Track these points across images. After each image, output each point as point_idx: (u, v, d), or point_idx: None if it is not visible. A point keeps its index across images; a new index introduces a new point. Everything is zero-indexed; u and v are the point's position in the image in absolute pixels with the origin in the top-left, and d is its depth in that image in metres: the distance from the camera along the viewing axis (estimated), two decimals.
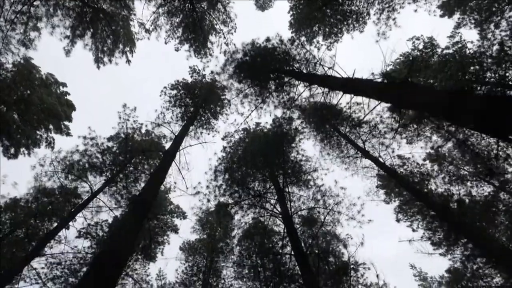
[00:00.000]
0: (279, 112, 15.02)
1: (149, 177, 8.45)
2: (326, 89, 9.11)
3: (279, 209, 11.69)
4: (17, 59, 15.89)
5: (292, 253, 10.28)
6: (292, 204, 11.77)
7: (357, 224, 11.66)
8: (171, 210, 19.57)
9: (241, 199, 12.37)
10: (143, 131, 15.00)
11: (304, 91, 9.78)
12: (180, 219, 19.99)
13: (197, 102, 13.80)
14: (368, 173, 15.24)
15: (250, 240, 18.09)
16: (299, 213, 11.58)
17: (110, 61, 13.76)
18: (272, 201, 12.82)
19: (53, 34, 12.41)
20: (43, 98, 15.03)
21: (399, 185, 15.80)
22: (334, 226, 10.54)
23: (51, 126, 16.20)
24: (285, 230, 10.55)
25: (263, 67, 10.57)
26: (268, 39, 10.18)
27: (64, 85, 16.71)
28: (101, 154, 12.55)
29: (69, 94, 17.43)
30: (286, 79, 10.38)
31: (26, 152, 15.10)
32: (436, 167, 19.34)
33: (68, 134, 16.57)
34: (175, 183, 15.94)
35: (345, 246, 9.73)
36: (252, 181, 13.26)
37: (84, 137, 12.79)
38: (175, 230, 19.47)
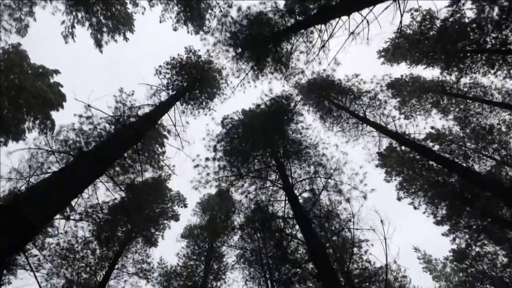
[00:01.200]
0: (276, 85, 14.50)
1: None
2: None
3: (281, 184, 11.26)
4: (8, 46, 15.60)
5: (295, 222, 9.83)
6: (293, 176, 11.31)
7: (360, 194, 11.21)
8: (171, 197, 19.07)
9: (242, 173, 11.93)
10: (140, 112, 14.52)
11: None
12: (181, 207, 19.49)
13: (192, 79, 13.35)
14: (369, 143, 14.65)
15: (251, 221, 17.63)
16: (301, 183, 11.10)
17: (110, 39, 13.62)
18: (273, 177, 12.40)
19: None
20: (35, 85, 14.67)
21: (401, 151, 15.36)
22: (335, 190, 10.05)
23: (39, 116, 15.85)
24: (286, 198, 10.09)
25: (259, 35, 10.17)
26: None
27: (57, 72, 16.32)
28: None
29: (61, 86, 17.07)
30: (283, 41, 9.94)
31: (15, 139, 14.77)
32: (437, 146, 18.95)
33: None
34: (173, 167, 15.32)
35: (348, 200, 9.24)
36: (252, 158, 12.82)
37: (80, 116, 12.23)
38: (176, 218, 18.97)
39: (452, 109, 16.40)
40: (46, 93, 15.75)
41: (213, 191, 12.01)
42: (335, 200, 10.54)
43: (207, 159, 11.65)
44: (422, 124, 26.05)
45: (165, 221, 18.30)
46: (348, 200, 9.18)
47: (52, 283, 12.57)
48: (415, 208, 19.04)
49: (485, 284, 17.12)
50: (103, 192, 14.95)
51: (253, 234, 18.67)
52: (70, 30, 13.61)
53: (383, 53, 19.09)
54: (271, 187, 11.45)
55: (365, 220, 11.11)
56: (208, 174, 11.61)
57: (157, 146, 15.75)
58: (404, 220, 24.52)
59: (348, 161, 10.41)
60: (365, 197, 10.04)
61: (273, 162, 12.29)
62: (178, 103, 12.32)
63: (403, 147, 17.81)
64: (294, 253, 11.02)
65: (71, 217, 14.58)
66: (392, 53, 18.34)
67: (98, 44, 14.19)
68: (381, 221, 5.70)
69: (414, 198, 18.43)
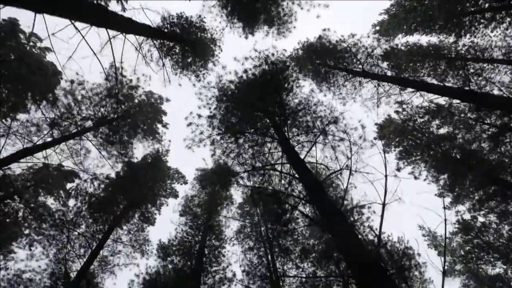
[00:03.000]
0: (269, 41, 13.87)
1: None
2: None
3: (277, 139, 10.62)
4: None
5: (292, 171, 9.17)
6: (289, 133, 10.66)
7: (359, 150, 10.52)
8: (170, 174, 18.47)
9: (237, 134, 11.30)
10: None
11: None
12: (181, 184, 18.87)
13: (184, 44, 12.76)
14: (367, 100, 13.82)
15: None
16: (298, 138, 10.44)
17: None
18: (269, 138, 11.76)
19: None
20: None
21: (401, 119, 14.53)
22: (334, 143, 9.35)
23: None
24: (283, 150, 9.47)
25: None
26: None
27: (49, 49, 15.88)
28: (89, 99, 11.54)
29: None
30: None
31: None
32: (437, 122, 18.24)
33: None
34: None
35: (346, 132, 8.55)
36: (247, 119, 12.18)
37: (72, 81, 11.77)
38: (175, 195, 18.36)
39: (450, 73, 15.67)
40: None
41: (207, 152, 11.34)
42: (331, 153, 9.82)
43: (199, 116, 11.01)
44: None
45: (163, 198, 17.70)
46: (345, 132, 8.52)
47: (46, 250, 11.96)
48: (415, 178, 18.22)
49: (491, 254, 16.23)
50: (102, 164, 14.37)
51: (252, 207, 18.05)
52: None
53: (377, 27, 18.47)
54: (268, 144, 10.78)
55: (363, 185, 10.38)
56: (201, 132, 10.99)
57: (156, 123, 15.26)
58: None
59: (346, 116, 9.70)
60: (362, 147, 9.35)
61: (269, 122, 11.68)
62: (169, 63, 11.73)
63: (401, 115, 17.15)
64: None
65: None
66: (388, 22, 17.75)
67: None
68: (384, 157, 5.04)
69: (415, 167, 17.66)
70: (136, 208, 14.90)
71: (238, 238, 16.97)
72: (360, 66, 11.95)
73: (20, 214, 14.46)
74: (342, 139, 8.92)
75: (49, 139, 10.48)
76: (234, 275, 13.28)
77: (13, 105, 14.73)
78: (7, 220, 13.72)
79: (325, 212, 6.31)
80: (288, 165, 10.57)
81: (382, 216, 4.93)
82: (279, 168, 10.45)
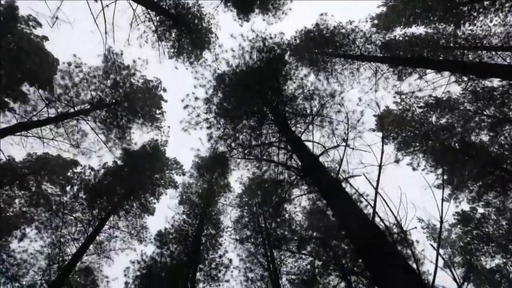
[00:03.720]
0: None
1: None
2: None
3: (274, 121, 10.44)
4: None
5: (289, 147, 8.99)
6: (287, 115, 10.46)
7: (357, 134, 10.34)
8: (169, 165, 18.27)
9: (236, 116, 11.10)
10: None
11: None
12: (179, 175, 18.67)
13: (181, 28, 12.59)
14: (366, 85, 13.57)
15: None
16: (295, 119, 10.25)
17: None
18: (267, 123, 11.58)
19: None
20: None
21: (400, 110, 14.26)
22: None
23: None
24: (278, 129, 9.28)
25: None
26: None
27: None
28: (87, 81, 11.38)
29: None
30: None
31: None
32: (436, 115, 18.06)
33: None
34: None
35: (342, 105, 8.36)
36: (245, 104, 11.98)
37: (69, 64, 11.62)
38: (174, 186, 18.13)
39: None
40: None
41: (203, 135, 11.13)
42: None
43: (196, 98, 10.83)
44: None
45: (162, 189, 17.50)
46: (342, 105, 8.34)
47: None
48: (414, 169, 18.03)
49: (490, 246, 15.95)
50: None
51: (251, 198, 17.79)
52: None
53: (376, 21, 18.33)
54: (265, 127, 10.59)
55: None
56: (198, 115, 10.82)
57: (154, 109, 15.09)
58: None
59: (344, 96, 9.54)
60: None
61: (266, 105, 11.50)
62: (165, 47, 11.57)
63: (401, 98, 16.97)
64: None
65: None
66: (386, 15, 17.59)
67: None
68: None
69: (413, 158, 17.46)
70: (134, 195, 14.70)
71: (236, 228, 16.74)
72: (358, 52, 11.79)
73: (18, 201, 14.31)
74: (339, 111, 8.73)
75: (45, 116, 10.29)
76: (231, 261, 13.04)
77: (12, 94, 14.62)
78: (8, 210, 13.57)
79: (322, 183, 6.12)
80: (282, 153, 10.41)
81: (378, 177, 4.74)
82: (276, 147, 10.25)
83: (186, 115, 10.84)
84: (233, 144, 10.93)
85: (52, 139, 10.33)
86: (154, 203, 16.86)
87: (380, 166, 4.72)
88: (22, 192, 14.55)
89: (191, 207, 14.70)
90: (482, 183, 16.22)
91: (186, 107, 10.78)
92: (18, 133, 9.22)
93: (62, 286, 9.83)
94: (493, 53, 13.81)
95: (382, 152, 4.90)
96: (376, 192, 4.72)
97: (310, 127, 8.84)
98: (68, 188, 13.08)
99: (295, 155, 8.07)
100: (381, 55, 11.76)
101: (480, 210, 17.19)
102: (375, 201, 5.06)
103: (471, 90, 17.77)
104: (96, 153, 12.80)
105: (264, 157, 9.61)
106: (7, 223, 13.72)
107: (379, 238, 4.18)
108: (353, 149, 7.55)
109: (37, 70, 15.00)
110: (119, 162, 15.41)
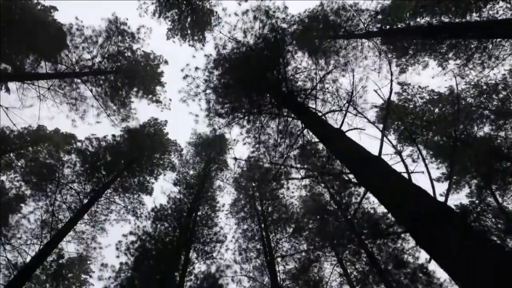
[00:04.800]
0: None
1: None
2: None
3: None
4: None
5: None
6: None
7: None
8: (168, 146, 17.99)
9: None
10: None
11: None
12: (178, 157, 18.42)
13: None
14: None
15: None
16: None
17: None
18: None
19: None
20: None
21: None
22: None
23: None
24: (280, 99, 9.03)
25: None
26: None
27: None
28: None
29: None
30: None
31: None
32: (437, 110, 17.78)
33: None
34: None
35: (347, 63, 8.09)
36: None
37: (70, 26, 11.28)
38: (173, 167, 17.85)
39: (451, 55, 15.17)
40: None
41: (202, 107, 10.84)
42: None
43: (196, 68, 10.55)
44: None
45: (160, 169, 17.23)
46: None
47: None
48: (413, 161, 17.72)
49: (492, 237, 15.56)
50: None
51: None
52: None
53: (379, 16, 18.08)
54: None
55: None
56: (197, 86, 10.56)
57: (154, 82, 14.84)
58: None
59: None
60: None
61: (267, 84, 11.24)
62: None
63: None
64: None
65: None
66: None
67: None
68: None
69: (413, 150, 17.17)
70: (132, 171, 14.45)
71: (231, 211, 16.47)
72: (363, 29, 11.56)
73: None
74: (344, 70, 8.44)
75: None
76: (225, 237, 12.77)
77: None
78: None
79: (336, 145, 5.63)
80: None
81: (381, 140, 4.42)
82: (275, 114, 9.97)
83: (185, 85, 10.55)
84: (231, 117, 10.65)
85: (49, 89, 10.02)
86: (153, 183, 16.61)
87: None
88: (20, 162, 14.35)
89: (187, 186, 14.43)
90: (483, 177, 15.89)
91: (185, 77, 10.51)
92: (15, 81, 8.97)
93: (51, 252, 9.59)
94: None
95: (391, 91, 4.65)
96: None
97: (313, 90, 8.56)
98: (65, 158, 12.86)
99: (301, 121, 7.83)
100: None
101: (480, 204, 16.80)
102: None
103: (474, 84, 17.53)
104: (95, 118, 12.44)
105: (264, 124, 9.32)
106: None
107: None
108: (355, 115, 7.29)
109: (43, 47, 14.84)
110: (118, 134, 15.15)
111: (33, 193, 11.55)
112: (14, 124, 10.63)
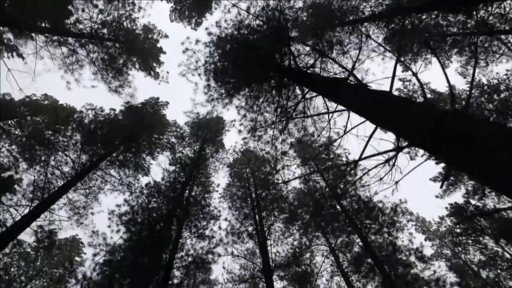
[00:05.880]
0: None
1: None
2: None
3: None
4: None
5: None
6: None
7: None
8: (168, 128, 17.80)
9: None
10: None
11: None
12: (178, 140, 18.19)
13: None
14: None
15: None
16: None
17: None
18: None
19: None
20: None
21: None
22: None
23: None
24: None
25: None
26: None
27: None
28: None
29: None
30: None
31: None
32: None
33: None
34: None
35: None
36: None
37: None
38: (171, 148, 17.63)
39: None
40: None
41: (200, 85, 10.65)
42: None
43: (197, 41, 10.34)
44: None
45: (159, 150, 17.02)
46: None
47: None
48: (411, 158, 17.55)
49: (485, 236, 15.41)
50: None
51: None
52: None
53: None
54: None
55: None
56: (197, 60, 10.36)
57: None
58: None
59: None
60: None
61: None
62: None
63: None
64: None
65: None
66: None
67: None
68: None
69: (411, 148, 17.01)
70: (130, 146, 14.24)
71: (226, 192, 16.28)
72: (370, 11, 11.38)
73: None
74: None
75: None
76: (218, 216, 12.58)
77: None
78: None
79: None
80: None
81: None
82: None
83: (185, 59, 10.34)
84: (231, 91, 10.45)
85: (47, 43, 9.79)
86: (150, 163, 16.42)
87: None
88: (18, 130, 14.16)
89: (182, 165, 14.24)
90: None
91: (185, 50, 10.30)
92: (15, 28, 8.76)
93: (41, 213, 9.40)
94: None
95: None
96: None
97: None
98: (63, 128, 12.66)
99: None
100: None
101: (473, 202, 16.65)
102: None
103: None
104: (90, 82, 12.13)
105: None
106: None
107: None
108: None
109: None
110: (117, 112, 14.97)
111: (27, 157, 11.34)
112: (20, 89, 10.36)
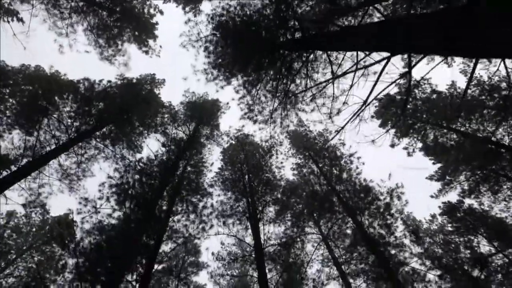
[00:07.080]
0: None
1: None
2: None
3: None
4: None
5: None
6: None
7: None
8: (163, 107, 17.47)
9: None
10: None
11: None
12: (174, 128, 17.87)
13: None
14: None
15: None
16: None
17: None
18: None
19: None
20: None
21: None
22: None
23: None
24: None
25: None
26: None
27: None
28: None
29: None
30: None
31: None
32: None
33: None
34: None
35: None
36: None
37: None
38: (165, 128, 17.29)
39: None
40: None
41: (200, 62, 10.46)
42: None
43: (200, 11, 10.18)
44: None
45: (152, 128, 16.66)
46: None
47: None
48: (409, 154, 17.58)
49: (478, 235, 15.31)
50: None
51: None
52: None
53: None
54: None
55: None
56: (199, 32, 10.16)
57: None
58: None
59: None
60: None
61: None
62: None
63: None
64: None
65: None
66: None
67: None
68: None
69: (410, 143, 17.08)
70: (123, 120, 13.92)
71: (216, 181, 15.98)
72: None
73: None
74: None
75: None
76: (211, 190, 12.32)
77: None
78: None
79: None
80: None
81: None
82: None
83: (187, 30, 10.13)
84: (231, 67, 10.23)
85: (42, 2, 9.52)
86: (143, 141, 16.11)
87: None
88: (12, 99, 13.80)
89: (175, 144, 13.99)
90: (477, 175, 15.76)
91: (188, 21, 10.10)
92: None
93: (31, 171, 9.07)
94: None
95: None
96: None
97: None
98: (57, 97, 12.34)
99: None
100: None
101: (468, 201, 16.66)
102: None
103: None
104: (84, 47, 11.86)
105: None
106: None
107: None
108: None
109: None
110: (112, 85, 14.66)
111: (19, 120, 10.99)
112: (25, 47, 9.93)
